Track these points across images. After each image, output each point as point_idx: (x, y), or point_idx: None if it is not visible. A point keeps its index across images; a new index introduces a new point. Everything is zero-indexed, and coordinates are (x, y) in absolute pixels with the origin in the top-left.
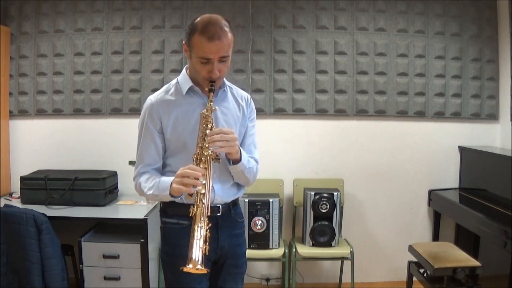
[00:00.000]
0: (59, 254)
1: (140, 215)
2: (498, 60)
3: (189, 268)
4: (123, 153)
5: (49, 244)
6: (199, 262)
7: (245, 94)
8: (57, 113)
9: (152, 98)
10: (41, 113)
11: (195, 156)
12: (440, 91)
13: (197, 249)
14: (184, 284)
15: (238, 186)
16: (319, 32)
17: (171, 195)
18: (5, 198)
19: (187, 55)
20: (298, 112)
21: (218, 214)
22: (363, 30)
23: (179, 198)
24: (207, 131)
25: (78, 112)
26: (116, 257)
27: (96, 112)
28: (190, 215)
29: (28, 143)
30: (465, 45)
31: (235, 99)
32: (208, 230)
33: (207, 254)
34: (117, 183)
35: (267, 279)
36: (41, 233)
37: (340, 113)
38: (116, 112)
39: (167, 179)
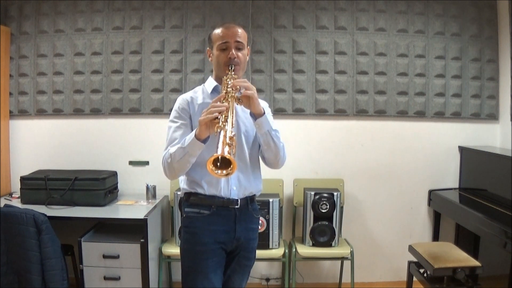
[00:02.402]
0: (59, 254)
1: (140, 215)
2: (498, 60)
3: (216, 154)
4: (123, 153)
5: (49, 244)
6: (226, 151)
7: (262, 101)
8: (57, 113)
9: (182, 95)
10: (41, 113)
11: (217, 99)
12: (440, 91)
13: (224, 143)
14: (200, 271)
15: (257, 182)
16: (319, 32)
17: (197, 138)
18: (5, 198)
19: (210, 59)
20: (298, 112)
21: (236, 206)
22: (363, 30)
23: (204, 146)
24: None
25: (78, 112)
26: (116, 257)
27: (96, 112)
28: (216, 130)
29: (28, 143)
30: (465, 45)
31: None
32: (233, 138)
33: (233, 152)
34: (117, 183)
35: (267, 279)
36: (41, 233)
37: (340, 113)
38: (116, 112)
39: (192, 132)
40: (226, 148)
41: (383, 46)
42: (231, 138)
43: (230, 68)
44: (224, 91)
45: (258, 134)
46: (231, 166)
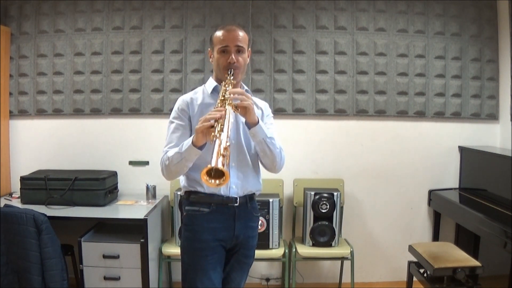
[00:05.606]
0: (59, 254)
1: (140, 215)
2: (498, 60)
3: (210, 166)
4: (123, 153)
5: (49, 244)
6: (220, 162)
7: (263, 101)
8: (57, 113)
9: (182, 96)
10: (41, 113)
11: (215, 108)
12: (440, 91)
13: (218, 154)
14: (200, 269)
15: (256, 181)
16: (319, 32)
17: (194, 145)
18: (5, 198)
19: (211, 60)
20: (298, 112)
21: (236, 204)
22: (363, 30)
23: (200, 153)
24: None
25: (78, 112)
26: (116, 257)
27: (96, 112)
28: (211, 139)
29: (28, 143)
30: (465, 45)
31: (254, 102)
32: (227, 148)
33: (227, 163)
34: (117, 183)
35: (267, 279)
36: (41, 233)
37: (340, 113)
38: (116, 112)
39: (189, 138)
40: (220, 159)
41: (383, 46)
42: (225, 148)
43: (229, 72)
44: (222, 97)
45: (254, 142)
46: (224, 177)
